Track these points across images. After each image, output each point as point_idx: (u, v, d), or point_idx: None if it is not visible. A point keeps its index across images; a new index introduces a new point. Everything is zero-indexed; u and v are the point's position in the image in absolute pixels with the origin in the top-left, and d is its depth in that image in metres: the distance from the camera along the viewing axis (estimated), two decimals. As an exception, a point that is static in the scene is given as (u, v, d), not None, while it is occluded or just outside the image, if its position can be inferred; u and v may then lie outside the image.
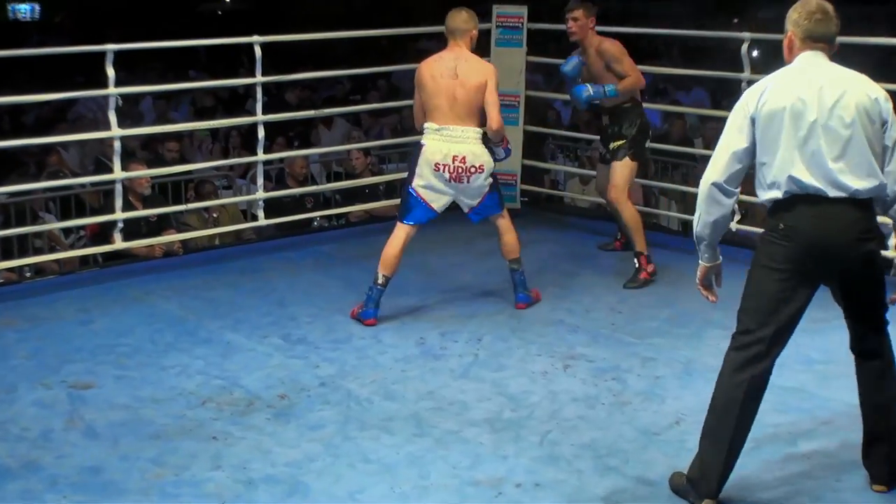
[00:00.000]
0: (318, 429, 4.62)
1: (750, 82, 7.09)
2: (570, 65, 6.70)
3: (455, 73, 5.82)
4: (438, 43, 6.30)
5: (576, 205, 9.43)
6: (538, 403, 4.88)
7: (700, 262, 4.11)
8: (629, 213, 6.72)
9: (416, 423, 4.67)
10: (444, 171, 5.82)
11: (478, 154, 5.83)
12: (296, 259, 7.27)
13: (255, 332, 5.81)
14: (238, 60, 15.79)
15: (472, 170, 5.83)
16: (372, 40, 13.61)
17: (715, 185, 3.85)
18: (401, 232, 5.92)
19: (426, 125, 5.91)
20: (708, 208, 3.90)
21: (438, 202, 5.94)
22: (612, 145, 6.75)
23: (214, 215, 8.29)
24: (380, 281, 5.87)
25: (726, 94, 11.73)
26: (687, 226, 8.57)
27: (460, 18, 5.97)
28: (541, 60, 8.91)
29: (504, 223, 6.08)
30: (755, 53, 8.75)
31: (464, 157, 5.80)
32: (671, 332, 5.87)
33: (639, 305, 6.30)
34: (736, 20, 19.72)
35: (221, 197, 8.77)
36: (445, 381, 5.16)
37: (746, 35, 7.23)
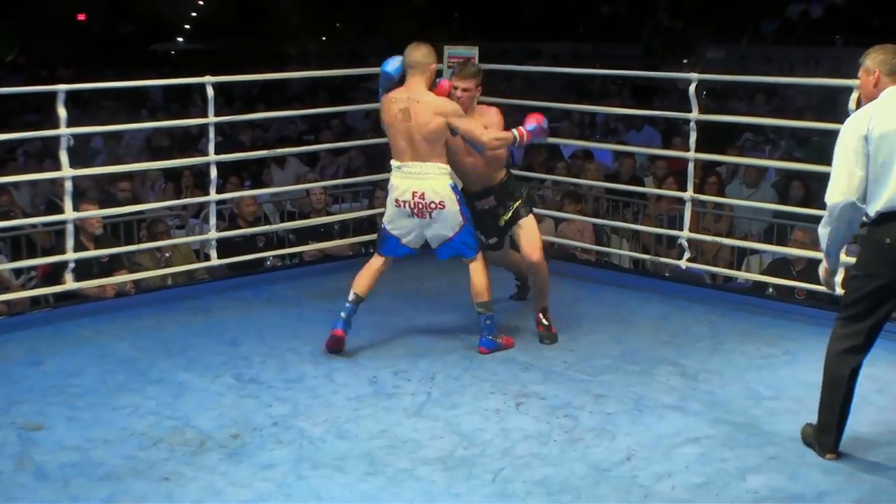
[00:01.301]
0: (271, 468, 4.61)
1: (697, 122, 7.27)
2: (392, 65, 6.18)
3: (409, 115, 5.87)
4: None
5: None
6: (491, 441, 4.89)
7: (828, 266, 4.84)
8: (546, 270, 6.52)
9: (369, 462, 4.67)
10: (405, 207, 5.96)
11: (438, 190, 5.91)
12: (249, 298, 7.27)
13: (208, 372, 5.80)
14: (191, 100, 15.85)
15: (433, 206, 5.92)
16: (325, 80, 13.71)
17: (851, 204, 4.51)
18: (376, 261, 6.18)
19: (392, 163, 6.04)
20: (845, 224, 4.60)
21: (408, 237, 6.09)
22: (505, 217, 6.45)
23: (167, 255, 8.27)
24: (350, 298, 6.06)
25: (675, 133, 11.91)
26: (638, 264, 8.69)
27: (420, 53, 5.99)
28: (493, 100, 8.97)
29: (476, 266, 6.14)
30: (704, 93, 8.90)
31: (423, 194, 5.90)
32: (622, 368, 5.91)
33: (590, 343, 6.34)
34: (685, 61, 19.97)
35: (174, 237, 8.75)
36: (398, 420, 5.16)
37: (694, 76, 7.34)
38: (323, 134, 13.68)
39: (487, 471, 4.58)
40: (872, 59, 4.68)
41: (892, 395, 5.52)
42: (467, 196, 6.25)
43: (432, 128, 5.87)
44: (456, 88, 6.16)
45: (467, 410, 5.27)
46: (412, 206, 5.95)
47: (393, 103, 5.95)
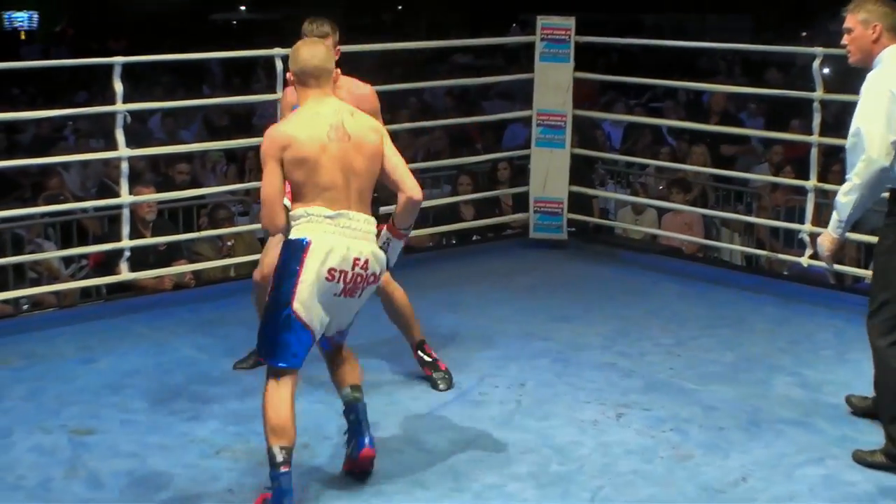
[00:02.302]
0: (345, 485, 4.61)
1: (822, 102, 7.15)
2: None
3: (345, 132, 4.40)
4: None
5: (628, 236, 9.39)
6: (588, 456, 4.85)
7: (834, 235, 4.88)
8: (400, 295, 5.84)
9: (454, 477, 4.65)
10: (338, 281, 4.38)
11: (379, 256, 4.50)
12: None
13: (275, 374, 5.81)
14: (255, 75, 15.93)
15: (371, 279, 4.49)
16: (399, 53, 13.70)
17: (883, 169, 4.56)
18: (284, 384, 4.46)
19: (307, 210, 4.37)
20: (872, 191, 4.66)
21: (317, 323, 4.45)
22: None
23: (229, 244, 8.31)
24: (280, 460, 4.30)
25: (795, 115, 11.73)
26: (752, 261, 8.57)
27: (320, 54, 4.53)
28: (589, 76, 8.91)
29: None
30: (826, 70, 8.72)
31: (367, 261, 4.41)
32: (735, 378, 5.83)
33: (699, 349, 6.26)
34: (804, 34, 19.71)
35: (237, 224, 8.80)
36: (485, 431, 5.12)
37: (819, 50, 7.21)
38: (399, 113, 13.68)
39: (585, 489, 4.54)
40: (871, 11, 4.67)
41: None
42: None
43: (374, 143, 4.51)
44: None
45: (561, 422, 5.23)
46: (349, 279, 4.38)
47: (313, 118, 4.41)
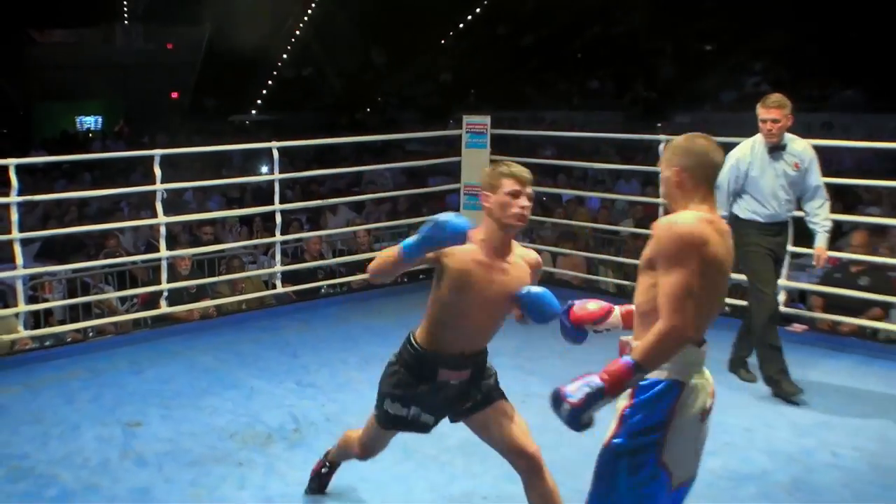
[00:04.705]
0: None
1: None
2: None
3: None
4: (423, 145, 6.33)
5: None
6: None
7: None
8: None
9: (403, 450, 4.66)
10: (706, 420, 2.85)
11: None
12: (307, 319, 7.31)
13: (274, 378, 5.85)
14: (262, 160, 15.93)
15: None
16: (368, 143, 13.77)
17: None
18: None
19: (694, 353, 2.78)
20: None
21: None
22: (476, 398, 3.67)
23: (242, 285, 8.33)
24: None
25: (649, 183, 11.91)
26: (623, 288, 8.69)
27: None
28: (501, 158, 9.02)
29: None
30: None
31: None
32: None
33: (583, 353, 6.29)
34: (658, 125, 19.99)
35: (248, 270, 8.82)
36: (426, 416, 5.17)
37: (663, 137, 7.41)
38: (366, 187, 13.77)
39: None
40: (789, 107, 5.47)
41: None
42: (436, 361, 3.45)
43: None
44: None
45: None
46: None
47: (716, 228, 2.85)
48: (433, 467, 4.50)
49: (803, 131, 5.69)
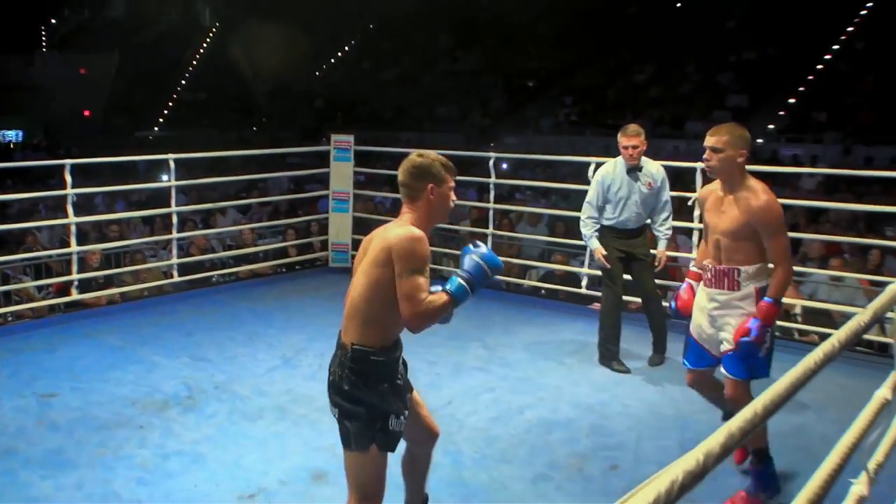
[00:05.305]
0: (213, 418, 4.56)
1: (495, 185, 7.44)
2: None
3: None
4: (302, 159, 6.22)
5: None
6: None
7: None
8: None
9: (280, 411, 4.65)
10: None
11: None
12: (200, 304, 7.11)
13: (171, 354, 5.67)
14: (162, 170, 15.32)
15: None
16: (256, 156, 13.45)
17: None
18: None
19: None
20: None
21: None
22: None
23: (144, 275, 8.03)
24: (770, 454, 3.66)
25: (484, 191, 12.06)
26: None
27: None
28: (362, 170, 9.04)
29: None
30: (504, 166, 9.00)
31: None
32: (446, 344, 5.80)
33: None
34: (492, 144, 20.33)
35: (149, 262, 8.50)
36: (299, 383, 5.13)
37: (492, 154, 7.56)
38: (252, 192, 13.43)
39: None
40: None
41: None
42: (395, 351, 2.81)
43: None
44: None
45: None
46: None
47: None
48: (305, 424, 4.47)
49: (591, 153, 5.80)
